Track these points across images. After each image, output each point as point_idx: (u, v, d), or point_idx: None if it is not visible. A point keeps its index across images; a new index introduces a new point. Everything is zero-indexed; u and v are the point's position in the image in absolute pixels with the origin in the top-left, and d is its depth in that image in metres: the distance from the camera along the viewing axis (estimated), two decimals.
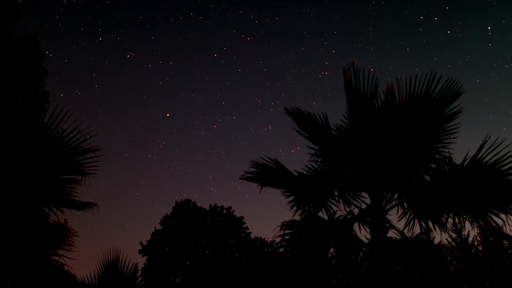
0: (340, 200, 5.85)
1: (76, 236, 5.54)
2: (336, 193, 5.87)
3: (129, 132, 36.83)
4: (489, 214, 5.04)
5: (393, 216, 10.99)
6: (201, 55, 34.97)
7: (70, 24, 27.89)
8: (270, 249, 22.89)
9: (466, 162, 5.23)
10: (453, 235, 13.48)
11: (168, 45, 33.44)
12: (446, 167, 5.41)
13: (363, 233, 13.37)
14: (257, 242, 23.64)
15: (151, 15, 28.63)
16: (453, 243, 13.37)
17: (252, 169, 5.89)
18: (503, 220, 4.93)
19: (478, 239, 13.30)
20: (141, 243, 24.11)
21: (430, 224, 5.37)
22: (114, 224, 37.69)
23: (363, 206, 5.74)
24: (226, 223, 24.01)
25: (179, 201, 24.84)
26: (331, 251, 12.86)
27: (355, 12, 28.24)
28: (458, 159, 5.36)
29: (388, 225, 5.46)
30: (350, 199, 5.84)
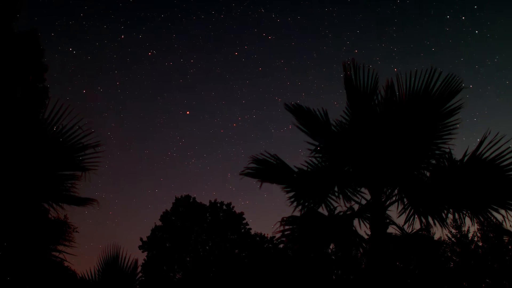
0: (340, 196, 5.86)
1: (76, 232, 5.53)
2: (336, 188, 5.87)
3: (149, 129, 36.66)
4: (489, 209, 5.05)
5: (393, 212, 11.03)
6: (222, 53, 34.52)
7: (94, 21, 27.80)
8: (270, 245, 22.93)
9: (466, 158, 5.23)
10: (453, 231, 13.49)
11: (189, 43, 33.11)
12: (446, 163, 5.41)
13: (363, 229, 13.39)
14: (257, 238, 23.68)
15: (172, 14, 28.41)
16: (453, 239, 13.37)
17: (252, 165, 5.89)
18: (503, 216, 4.95)
19: (478, 235, 13.30)
20: (141, 239, 24.15)
21: (430, 219, 5.37)
22: (132, 221, 37.66)
23: (363, 202, 5.75)
24: (226, 219, 24.04)
25: (179, 197, 24.86)
26: (331, 247, 12.90)
27: (379, 11, 27.78)
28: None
29: (388, 221, 5.46)
30: (350, 194, 5.84)
